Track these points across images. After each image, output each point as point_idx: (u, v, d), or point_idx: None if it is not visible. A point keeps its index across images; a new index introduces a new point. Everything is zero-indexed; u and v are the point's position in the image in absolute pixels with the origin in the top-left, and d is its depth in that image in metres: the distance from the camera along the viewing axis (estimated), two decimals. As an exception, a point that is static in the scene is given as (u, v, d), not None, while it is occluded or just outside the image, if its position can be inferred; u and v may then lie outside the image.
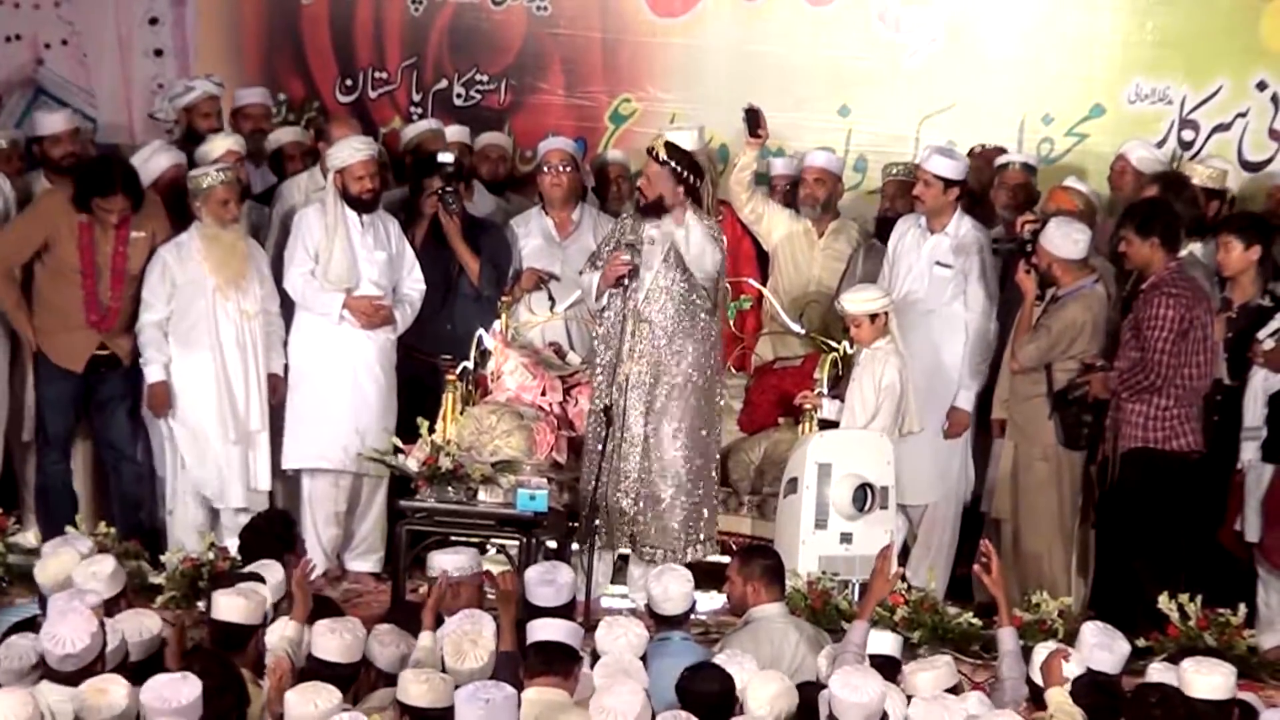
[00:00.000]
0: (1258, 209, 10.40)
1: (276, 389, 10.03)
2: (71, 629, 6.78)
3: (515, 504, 9.18)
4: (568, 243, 10.58)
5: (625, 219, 9.61)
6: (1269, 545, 9.30)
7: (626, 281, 9.38)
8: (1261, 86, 11.08)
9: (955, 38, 11.45)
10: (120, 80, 12.38)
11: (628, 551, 9.52)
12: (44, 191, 10.34)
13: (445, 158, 10.31)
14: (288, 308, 10.14)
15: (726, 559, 9.01)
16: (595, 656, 7.23)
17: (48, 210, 10.05)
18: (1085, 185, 10.49)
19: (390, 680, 6.96)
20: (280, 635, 7.33)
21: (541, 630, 7.08)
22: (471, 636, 7.23)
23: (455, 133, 11.27)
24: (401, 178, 10.88)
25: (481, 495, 9.34)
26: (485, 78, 12.03)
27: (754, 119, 10.13)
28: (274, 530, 8.44)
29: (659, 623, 7.94)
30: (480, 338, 9.97)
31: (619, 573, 9.66)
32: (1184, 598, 8.76)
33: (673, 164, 9.32)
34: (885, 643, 7.75)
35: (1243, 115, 11.10)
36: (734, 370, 10.42)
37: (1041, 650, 7.37)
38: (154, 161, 10.15)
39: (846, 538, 9.25)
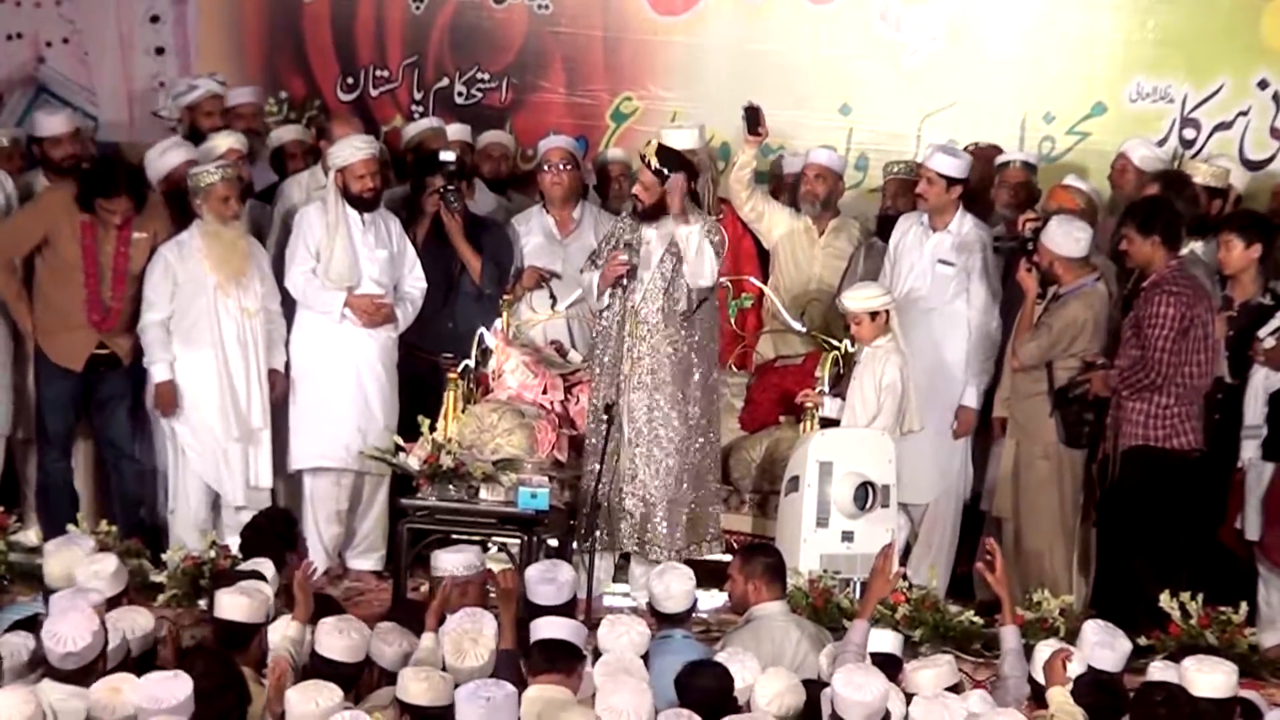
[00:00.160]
0: (1261, 208, 10.40)
1: (276, 385, 10.03)
2: (73, 627, 6.78)
3: (516, 502, 9.19)
4: (569, 241, 10.58)
5: (625, 218, 9.61)
6: (1269, 543, 9.30)
7: (625, 282, 9.37)
8: (1263, 85, 11.08)
9: (956, 36, 11.44)
10: (121, 78, 12.38)
11: (629, 550, 9.52)
12: (47, 188, 10.35)
13: (447, 156, 10.31)
14: (289, 306, 10.14)
15: (728, 557, 9.01)
16: (597, 655, 7.23)
17: (49, 206, 10.06)
18: (1086, 183, 10.49)
19: (393, 679, 6.96)
20: (282, 635, 7.33)
21: (545, 628, 7.09)
22: (472, 635, 7.24)
23: (457, 131, 11.27)
24: (403, 176, 10.88)
25: (483, 493, 9.35)
26: (486, 76, 12.03)
27: (753, 117, 10.14)
28: (275, 529, 8.44)
29: (661, 621, 7.95)
30: (482, 336, 9.98)
31: (620, 571, 9.67)
32: (1185, 596, 8.76)
33: (664, 171, 9.30)
34: (886, 641, 7.75)
35: (1244, 114, 11.10)
36: (735, 368, 10.42)
37: (1043, 649, 7.37)
38: (168, 157, 10.14)
39: (848, 536, 9.25)
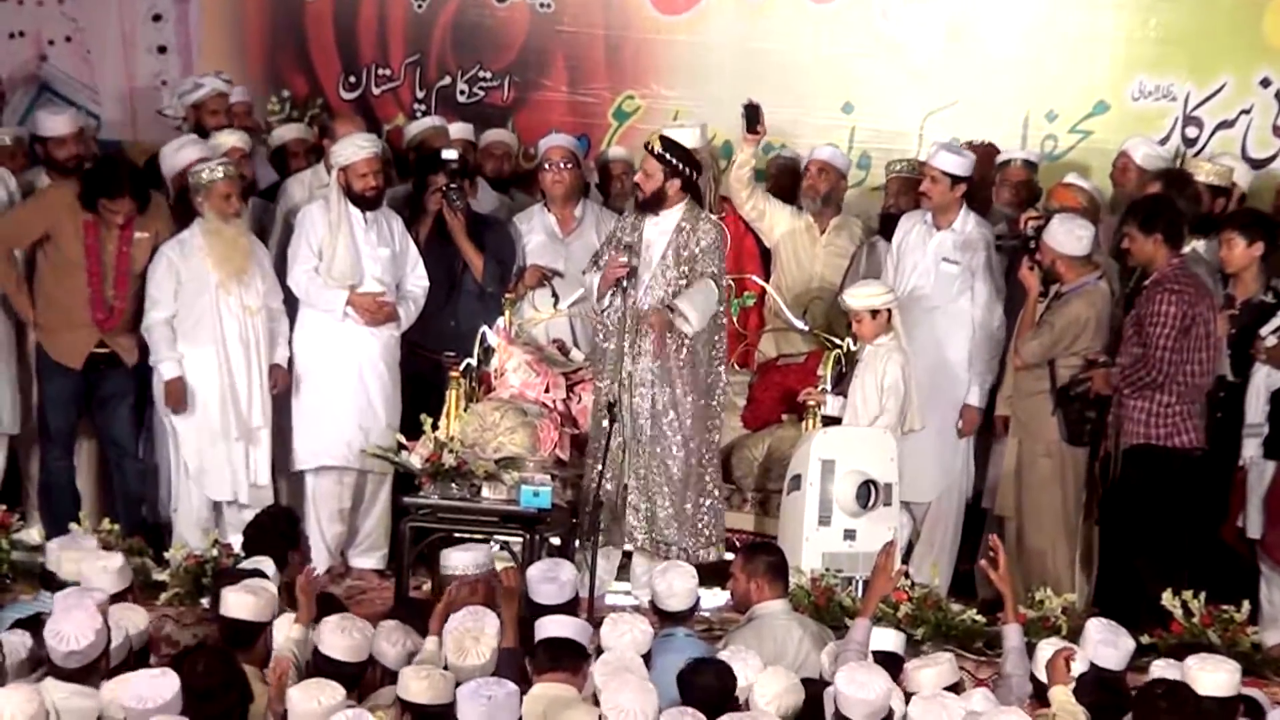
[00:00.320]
0: (1264, 207, 10.40)
1: (278, 380, 10.03)
2: (76, 626, 6.79)
3: (519, 501, 9.20)
4: (570, 239, 10.58)
5: (626, 218, 9.62)
6: (1271, 542, 9.30)
7: (624, 283, 9.37)
8: (1265, 83, 11.08)
9: (958, 35, 11.44)
10: (123, 77, 12.39)
11: (631, 548, 9.52)
12: (50, 185, 10.36)
13: (449, 154, 10.31)
14: (291, 305, 10.14)
15: (730, 556, 9.01)
16: (600, 653, 7.24)
17: (52, 203, 10.07)
18: (1088, 182, 10.49)
19: (396, 678, 6.95)
20: (286, 636, 7.34)
21: (550, 627, 7.09)
22: (474, 633, 7.24)
23: (459, 130, 11.27)
24: (405, 175, 10.88)
25: (485, 492, 9.36)
26: (489, 74, 12.03)
27: (753, 115, 10.14)
28: (278, 527, 8.45)
29: (663, 619, 7.96)
30: (484, 334, 9.98)
31: (622, 569, 9.67)
32: (1188, 594, 8.76)
33: (668, 157, 9.32)
34: (888, 640, 7.75)
35: (1246, 112, 11.10)
36: (737, 367, 10.42)
37: (1046, 647, 7.37)
38: (182, 154, 10.13)
39: (850, 534, 9.25)
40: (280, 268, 10.12)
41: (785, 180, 10.95)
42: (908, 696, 7.04)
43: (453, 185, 10.27)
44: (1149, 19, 11.24)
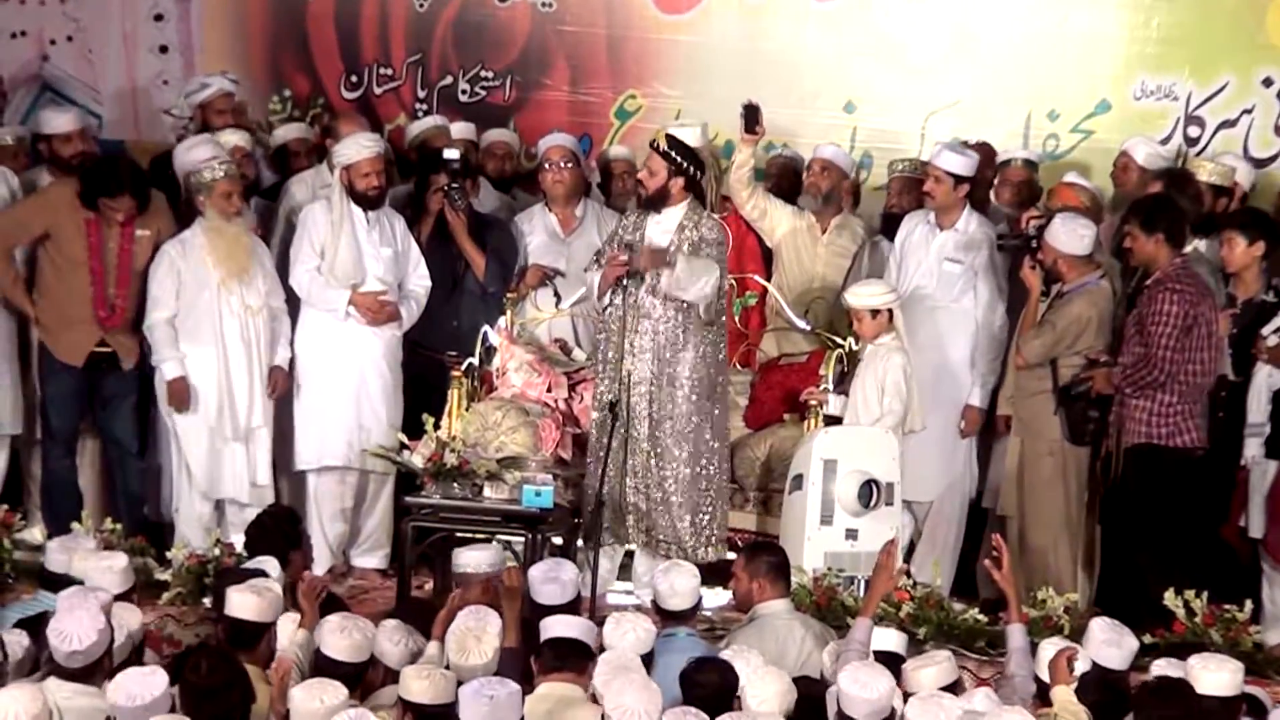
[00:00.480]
0: (1266, 206, 10.40)
1: (278, 382, 10.03)
2: (79, 625, 6.79)
3: (520, 500, 9.19)
4: (571, 239, 10.58)
5: (628, 216, 9.62)
6: (1273, 541, 9.30)
7: (625, 281, 9.37)
8: (1267, 83, 11.08)
9: (960, 34, 11.44)
10: (125, 76, 12.39)
11: (633, 548, 9.52)
12: (51, 183, 10.36)
13: (451, 154, 10.31)
14: (293, 305, 10.14)
15: (732, 555, 9.01)
16: (603, 652, 7.24)
17: (52, 201, 10.08)
18: (1089, 181, 10.50)
19: (399, 678, 6.95)
20: (289, 640, 7.34)
21: (556, 627, 7.09)
22: (476, 633, 7.24)
23: (461, 129, 11.28)
24: (407, 174, 10.88)
25: (487, 491, 9.36)
26: (490, 74, 12.04)
27: (752, 115, 10.13)
28: (280, 527, 8.45)
29: (665, 618, 7.95)
30: (486, 334, 9.98)
31: (624, 569, 9.67)
32: (1190, 594, 8.76)
33: (674, 154, 9.32)
34: (889, 640, 7.75)
35: (1248, 111, 11.10)
36: (739, 367, 10.42)
37: (1048, 647, 7.37)
38: (195, 152, 10.11)
39: (852, 534, 9.26)
40: (282, 267, 10.12)
41: (786, 180, 10.95)
42: (906, 696, 7.03)
43: (454, 185, 10.27)
44: (1151, 18, 11.24)
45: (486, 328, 10.01)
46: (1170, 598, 8.76)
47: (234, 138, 10.53)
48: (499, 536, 9.31)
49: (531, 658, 7.16)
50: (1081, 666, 7.23)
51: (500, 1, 11.99)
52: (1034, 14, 11.38)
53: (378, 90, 12.17)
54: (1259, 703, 7.41)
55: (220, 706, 6.54)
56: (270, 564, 7.96)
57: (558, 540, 9.36)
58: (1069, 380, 9.54)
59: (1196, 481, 9.37)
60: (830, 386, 9.70)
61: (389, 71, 12.16)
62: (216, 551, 9.15)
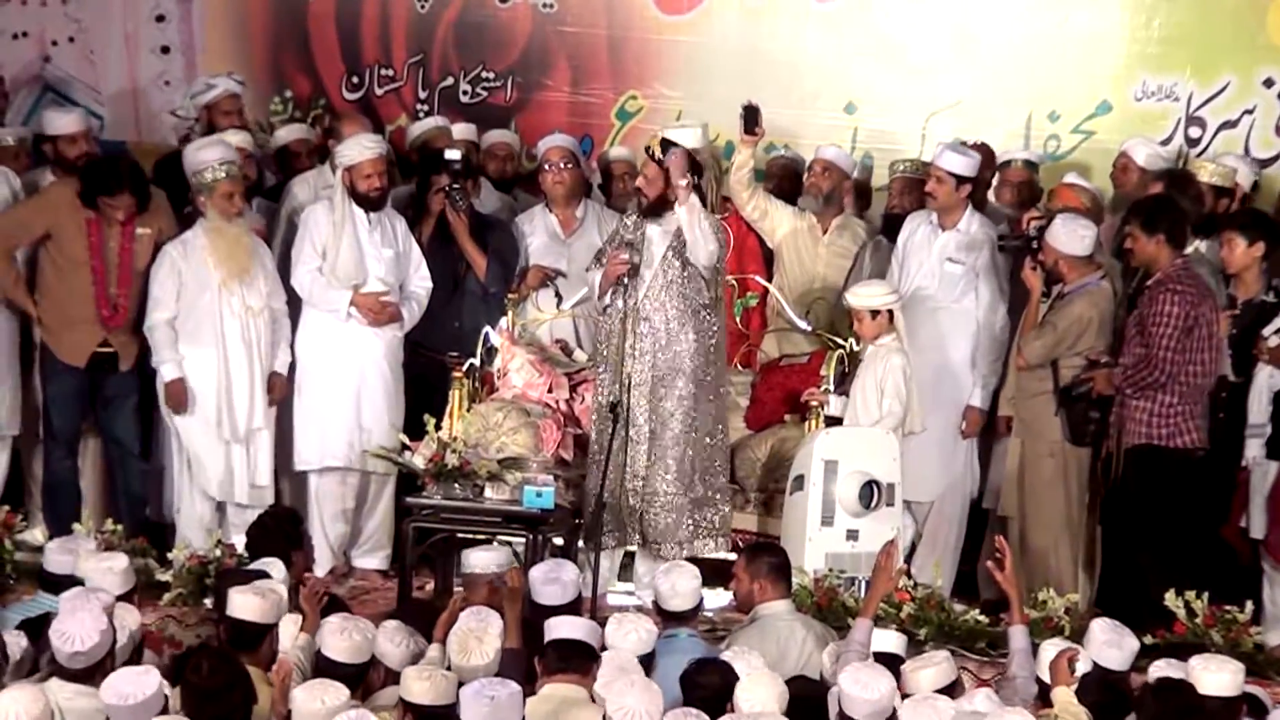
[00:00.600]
0: (1267, 207, 10.40)
1: (276, 389, 10.03)
2: (81, 626, 6.79)
3: (521, 501, 9.20)
4: (572, 240, 10.58)
5: (628, 217, 9.62)
6: (1274, 542, 9.30)
7: (626, 281, 9.37)
8: (1269, 83, 11.07)
9: (961, 35, 11.44)
10: (127, 77, 12.40)
11: (634, 549, 9.52)
12: (51, 183, 10.38)
13: (452, 155, 10.31)
14: (295, 306, 10.14)
15: (733, 556, 9.01)
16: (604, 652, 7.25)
17: (53, 201, 10.09)
18: (1089, 181, 10.50)
19: (399, 679, 6.96)
20: (292, 643, 7.34)
21: (560, 628, 7.09)
22: (478, 634, 7.25)
23: (462, 130, 11.28)
24: (408, 175, 10.88)
25: (488, 492, 9.36)
26: (491, 75, 12.04)
27: (751, 116, 10.14)
28: (282, 528, 8.45)
29: (666, 619, 7.96)
30: (487, 335, 9.98)
31: (625, 570, 9.67)
32: (1190, 595, 8.76)
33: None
34: (889, 641, 7.75)
35: (1249, 112, 11.09)
36: (740, 367, 10.42)
37: (1049, 648, 7.38)
38: (206, 153, 10.11)
39: (853, 535, 9.26)
40: (283, 267, 10.12)
41: (787, 181, 10.95)
42: (905, 698, 7.03)
43: (455, 185, 10.27)
44: (1152, 19, 11.23)
45: (488, 328, 10.01)
46: (1171, 598, 8.76)
47: (236, 139, 10.53)
48: (500, 537, 9.33)
49: (535, 659, 7.16)
50: (1082, 667, 7.23)
51: (501, 2, 11.99)
52: (1034, 14, 11.37)
53: (379, 91, 12.17)
54: (1259, 702, 7.42)
55: (222, 708, 6.54)
56: (275, 566, 7.96)
57: (559, 541, 9.36)
58: (1070, 381, 9.54)
59: (1197, 482, 9.37)
60: (831, 387, 9.70)
61: (390, 72, 12.17)
62: (217, 552, 9.16)
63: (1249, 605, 8.85)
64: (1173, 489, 9.27)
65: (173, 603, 8.95)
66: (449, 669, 7.04)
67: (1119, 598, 9.16)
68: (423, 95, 12.11)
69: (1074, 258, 9.56)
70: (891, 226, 10.43)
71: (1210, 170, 10.27)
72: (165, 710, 6.45)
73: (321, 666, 7.14)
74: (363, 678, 7.23)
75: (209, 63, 12.12)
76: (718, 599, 9.16)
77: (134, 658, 7.20)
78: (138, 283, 9.97)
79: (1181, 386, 9.25)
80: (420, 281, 10.23)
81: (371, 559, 10.28)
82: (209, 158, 9.95)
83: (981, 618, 8.83)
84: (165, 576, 9.11)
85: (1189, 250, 9.63)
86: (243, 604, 7.30)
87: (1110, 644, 7.50)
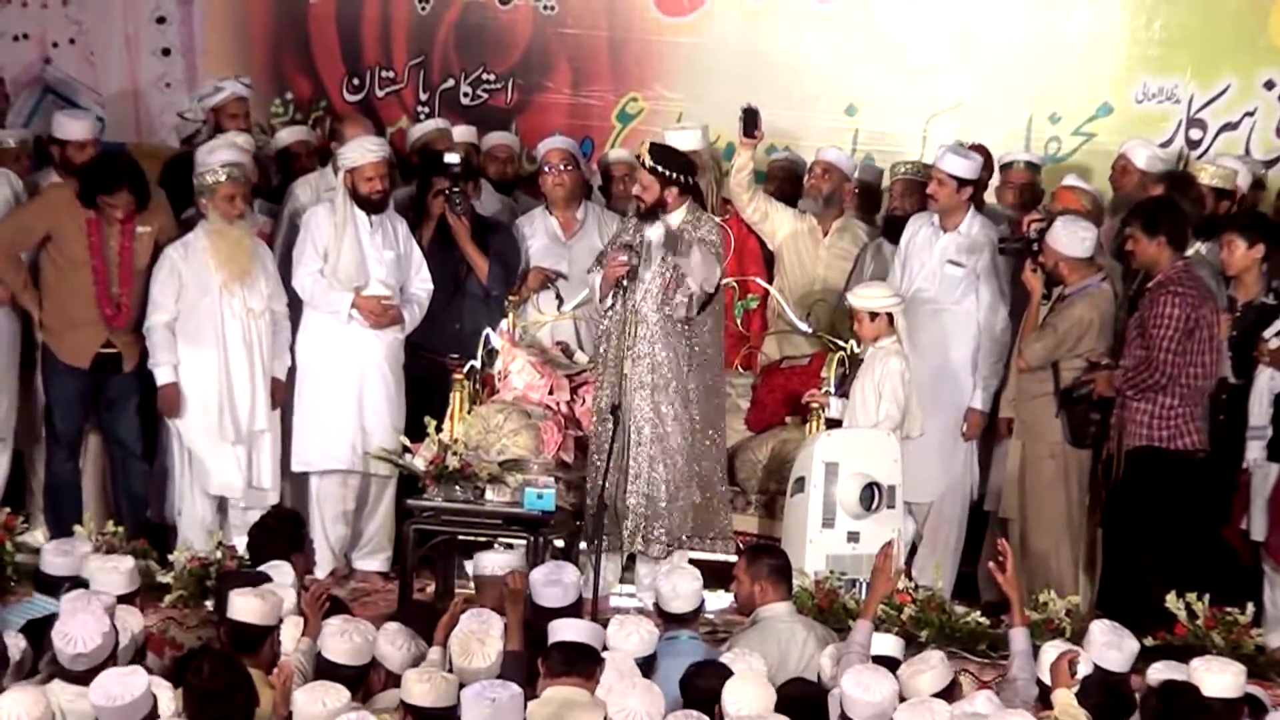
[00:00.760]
0: (1266, 208, 10.40)
1: (276, 394, 10.03)
2: (83, 628, 6.79)
3: (522, 503, 9.20)
4: (573, 242, 10.58)
5: (629, 219, 9.62)
6: (1274, 544, 9.30)
7: (625, 282, 9.37)
8: (1269, 85, 11.08)
9: (961, 36, 11.44)
10: (127, 79, 12.40)
11: (633, 550, 9.51)
12: (50, 184, 10.38)
13: (451, 158, 10.31)
14: (296, 309, 10.14)
15: (734, 558, 9.01)
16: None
17: (52, 203, 10.11)
18: (1090, 183, 10.49)
19: (399, 681, 6.96)
20: (294, 647, 7.34)
21: (564, 630, 7.09)
22: (479, 636, 7.25)
23: (462, 132, 11.28)
24: (408, 177, 10.88)
25: (489, 494, 9.36)
26: (492, 77, 12.04)
27: (750, 119, 10.14)
28: (284, 530, 8.45)
29: (667, 621, 7.96)
30: (488, 337, 9.99)
31: (626, 572, 9.66)
32: (1191, 597, 8.76)
33: (660, 169, 9.31)
34: (887, 645, 7.76)
35: (1250, 114, 11.09)
36: (741, 369, 10.42)
37: (1050, 650, 7.37)
38: (217, 155, 10.12)
39: (854, 537, 9.25)
40: (285, 269, 10.12)
41: (788, 183, 10.95)
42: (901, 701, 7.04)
43: (455, 189, 10.27)
44: (1153, 21, 11.24)
45: (488, 330, 10.01)
46: (1172, 600, 8.76)
47: (239, 141, 10.54)
48: (500, 539, 9.33)
49: (539, 660, 7.16)
50: (1084, 670, 7.23)
51: (502, 4, 11.99)
52: (1035, 16, 11.38)
53: (379, 93, 12.17)
54: (1258, 702, 7.42)
55: (223, 709, 6.54)
56: (283, 569, 7.96)
57: (559, 543, 9.36)
58: (1070, 383, 9.54)
59: (1198, 484, 9.37)
60: (832, 389, 9.70)
61: (391, 74, 12.17)
62: (218, 554, 9.16)
63: (1250, 607, 8.85)
64: (1173, 491, 9.27)
65: (173, 604, 8.96)
66: (450, 671, 7.04)
67: (1120, 599, 9.16)
68: (423, 97, 12.11)
69: (1074, 260, 9.56)
70: (892, 228, 10.43)
71: (1211, 172, 10.27)
72: (154, 711, 6.44)
73: (322, 668, 7.14)
74: (363, 680, 7.23)
75: (209, 65, 12.12)
76: (719, 601, 9.16)
77: (137, 660, 7.20)
78: (139, 282, 9.98)
79: (1182, 388, 9.25)
80: (421, 284, 10.23)
81: (372, 561, 10.28)
82: (216, 160, 9.96)
83: (982, 619, 8.83)
84: (166, 578, 9.12)
85: (1190, 252, 9.63)
86: (243, 606, 7.30)
87: (1110, 645, 7.50)
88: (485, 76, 12.04)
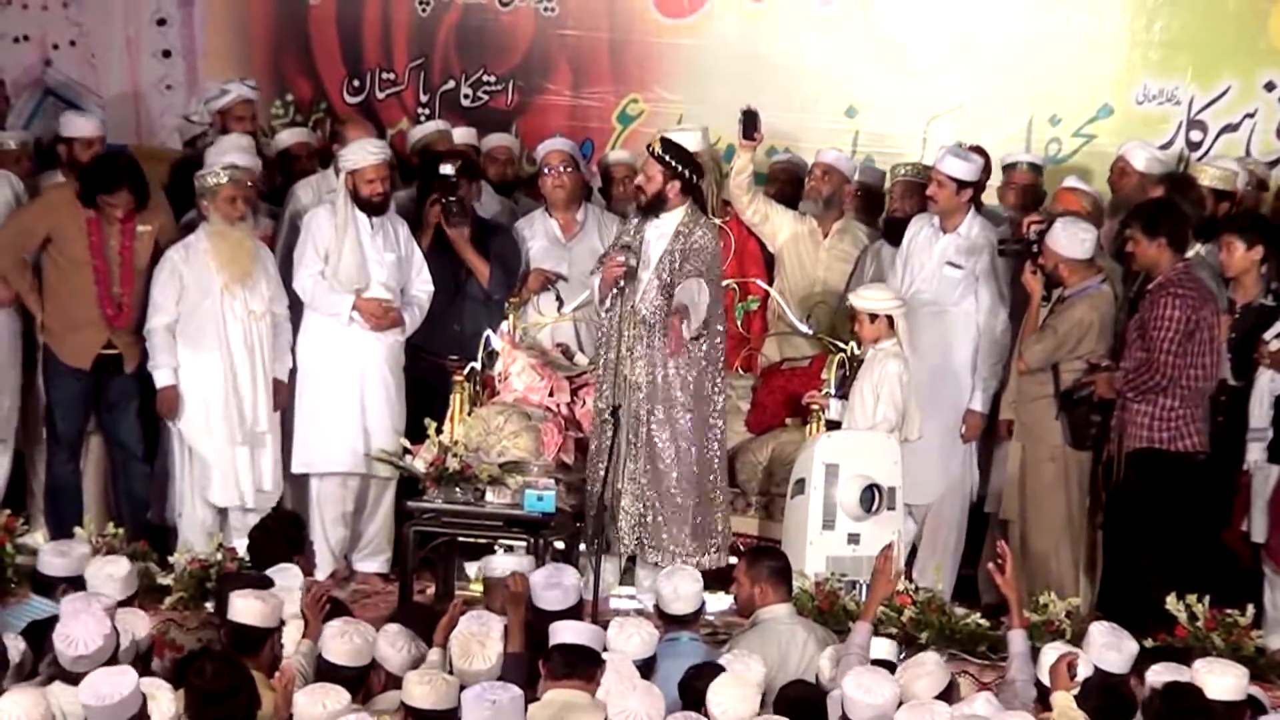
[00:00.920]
0: (1265, 209, 10.40)
1: (279, 395, 10.03)
2: (85, 630, 6.79)
3: (523, 505, 9.21)
4: (573, 243, 10.58)
5: (630, 221, 9.62)
6: (1275, 546, 9.30)
7: (622, 283, 9.36)
8: (1270, 87, 11.08)
9: (962, 38, 11.44)
10: (128, 81, 12.39)
11: (628, 551, 9.51)
12: (50, 185, 10.39)
13: (446, 169, 10.30)
14: (296, 311, 10.14)
15: (734, 560, 9.01)
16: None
17: (53, 203, 10.12)
18: (1090, 185, 10.49)
19: (400, 683, 6.96)
20: (295, 649, 7.34)
21: (565, 633, 7.09)
22: (480, 638, 7.25)
23: (462, 134, 11.29)
24: (409, 179, 10.87)
25: (489, 496, 9.36)
26: (493, 78, 12.03)
27: (750, 121, 10.13)
28: (284, 532, 8.46)
29: (668, 623, 7.96)
30: (488, 339, 9.99)
31: (626, 574, 9.66)
32: (1191, 598, 8.76)
33: (668, 159, 9.32)
34: (881, 649, 7.76)
35: (1251, 116, 11.09)
36: (741, 371, 10.42)
37: (1050, 651, 7.37)
38: (227, 158, 10.12)
39: (854, 538, 9.26)
40: (285, 270, 10.13)
41: (790, 185, 10.94)
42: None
43: (451, 199, 10.26)
44: (1153, 22, 11.23)
45: (489, 332, 10.02)
46: (1172, 602, 8.77)
47: (242, 142, 10.55)
48: (501, 541, 9.33)
49: (540, 662, 7.16)
50: (1084, 672, 7.22)
51: (502, 6, 11.99)
52: (1036, 17, 11.38)
53: (380, 95, 12.17)
54: (1258, 703, 7.42)
55: (225, 711, 6.55)
56: (291, 572, 7.96)
57: (560, 545, 9.36)
58: (1070, 385, 9.54)
59: (1198, 486, 9.37)
60: (832, 391, 9.70)
61: (391, 76, 12.16)
62: (219, 556, 9.16)
63: (1250, 609, 8.85)
64: (1174, 492, 9.27)
65: (173, 606, 8.97)
66: (450, 673, 7.04)
67: (1120, 601, 9.16)
68: (424, 99, 12.11)
69: (1074, 261, 9.56)
70: (893, 230, 10.43)
71: (1211, 174, 10.26)
72: (144, 711, 6.44)
73: (322, 670, 7.14)
74: (363, 681, 7.23)
75: (210, 67, 12.13)
76: (719, 602, 9.16)
77: (142, 663, 7.21)
78: (140, 282, 9.99)
79: (1183, 390, 9.25)
80: (422, 285, 10.23)
81: (372, 563, 10.28)
82: (220, 162, 9.97)
83: (982, 621, 8.83)
84: (166, 580, 9.12)
85: (1190, 254, 9.63)
86: (244, 608, 7.30)
87: (1109, 647, 7.49)
88: (486, 78, 12.04)
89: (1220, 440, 9.44)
